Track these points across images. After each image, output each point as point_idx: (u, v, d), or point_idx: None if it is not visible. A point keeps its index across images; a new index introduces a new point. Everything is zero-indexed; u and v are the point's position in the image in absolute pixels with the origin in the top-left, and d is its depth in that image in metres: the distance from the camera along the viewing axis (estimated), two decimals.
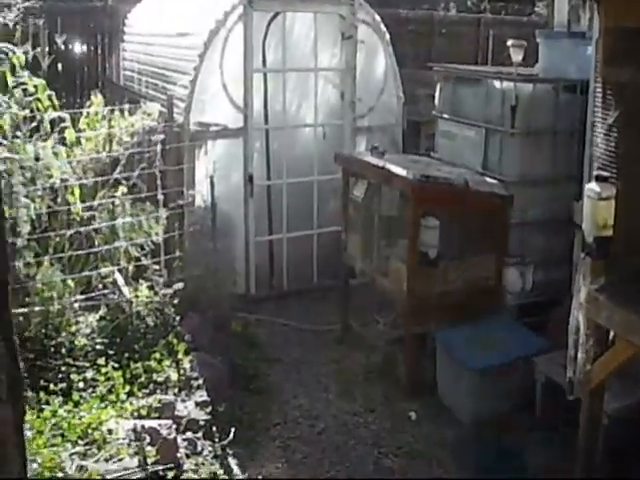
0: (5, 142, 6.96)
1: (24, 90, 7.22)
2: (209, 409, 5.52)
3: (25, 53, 7.17)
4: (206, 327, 6.52)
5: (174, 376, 5.80)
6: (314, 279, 8.12)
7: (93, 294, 6.63)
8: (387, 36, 8.43)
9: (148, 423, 5.03)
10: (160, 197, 6.79)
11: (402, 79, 8.63)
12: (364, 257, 6.61)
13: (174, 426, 5.07)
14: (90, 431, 5.02)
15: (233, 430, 5.31)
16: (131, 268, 6.95)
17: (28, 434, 4.87)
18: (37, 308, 6.33)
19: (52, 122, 7.30)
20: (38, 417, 5.20)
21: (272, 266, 8.20)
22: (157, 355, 6.00)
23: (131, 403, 5.45)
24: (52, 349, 6.11)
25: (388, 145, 7.92)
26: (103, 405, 5.40)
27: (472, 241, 6.05)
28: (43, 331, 6.22)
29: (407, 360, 6.02)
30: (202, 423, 5.33)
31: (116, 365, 5.89)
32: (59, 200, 7.00)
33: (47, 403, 5.38)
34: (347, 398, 6.07)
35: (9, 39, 7.38)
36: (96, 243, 6.96)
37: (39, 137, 7.16)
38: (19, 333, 6.21)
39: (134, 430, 4.95)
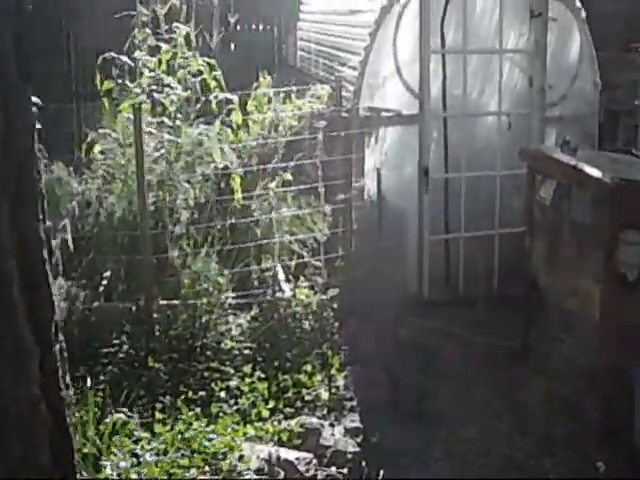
0: (169, 123, 6.31)
1: (189, 71, 6.54)
2: (360, 438, 4.58)
3: (191, 33, 6.47)
4: (367, 337, 5.56)
5: (324, 395, 4.90)
6: (494, 285, 6.86)
7: (246, 292, 5.85)
8: (583, 13, 7.05)
9: (286, 454, 4.17)
10: (322, 190, 5.88)
11: (598, 62, 7.24)
12: (550, 268, 5.41)
13: (315, 460, 4.18)
14: (220, 455, 4.22)
15: (384, 469, 4.35)
16: (291, 265, 6.14)
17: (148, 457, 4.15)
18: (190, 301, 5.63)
19: (220, 104, 6.60)
20: (171, 429, 4.48)
21: (448, 268, 7.05)
22: (308, 367, 5.13)
23: (272, 424, 4.61)
24: (197, 350, 5.38)
25: (581, 138, 6.57)
26: (242, 423, 4.60)
27: None
28: (190, 330, 5.49)
29: (597, 397, 4.80)
30: (349, 456, 4.40)
31: (262, 375, 5.08)
32: (220, 187, 6.29)
33: (180, 412, 4.66)
34: (523, 434, 4.89)
35: (177, 19, 6.69)
36: (256, 235, 6.18)
37: (204, 120, 6.47)
38: (165, 330, 5.54)
39: (269, 461, 4.09)
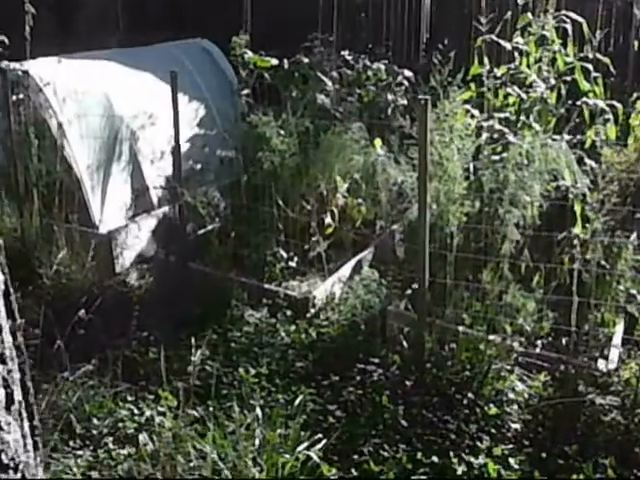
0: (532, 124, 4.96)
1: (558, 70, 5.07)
2: None
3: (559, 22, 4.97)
4: None
5: None
6: None
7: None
8: None
9: None
10: None
11: None
12: None
13: None
14: None
15: None
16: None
17: None
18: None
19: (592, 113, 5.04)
20: None
21: None
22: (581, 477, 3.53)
23: None
24: (462, 402, 4.08)
25: None
26: None
27: None
28: (461, 375, 4.21)
29: None
30: None
31: (519, 465, 3.64)
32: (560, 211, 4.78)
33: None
34: None
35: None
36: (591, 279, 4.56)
37: (568, 129, 4.99)
38: (437, 367, 4.33)
39: None
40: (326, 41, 6.03)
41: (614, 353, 4.45)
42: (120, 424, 3.99)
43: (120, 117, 6.24)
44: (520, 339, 4.40)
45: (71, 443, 3.90)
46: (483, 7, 5.03)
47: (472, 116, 4.79)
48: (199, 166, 6.45)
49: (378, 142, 4.91)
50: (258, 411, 3.71)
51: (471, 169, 4.48)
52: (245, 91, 5.47)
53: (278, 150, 4.82)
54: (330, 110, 5.23)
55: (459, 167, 4.38)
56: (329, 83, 5.43)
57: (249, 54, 5.50)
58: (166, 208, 6.14)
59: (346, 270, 5.55)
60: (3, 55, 5.93)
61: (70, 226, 5.72)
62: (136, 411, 4.11)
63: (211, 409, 3.99)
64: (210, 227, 5.57)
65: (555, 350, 4.44)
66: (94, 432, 3.97)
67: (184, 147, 6.56)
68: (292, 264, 5.56)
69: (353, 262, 5.61)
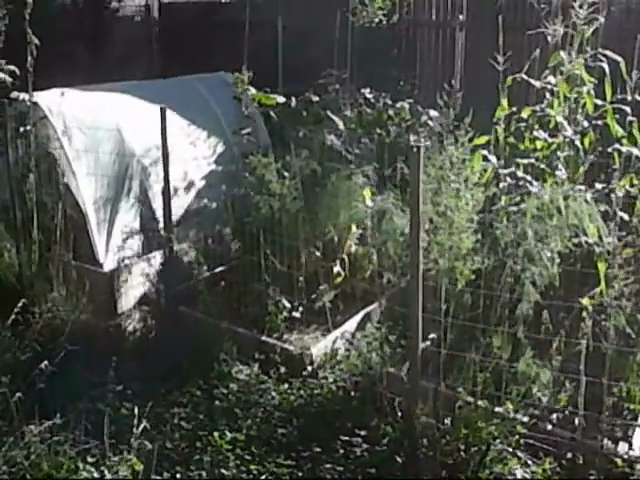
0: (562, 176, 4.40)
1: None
2: None
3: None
4: None
5: None
6: None
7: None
8: None
9: None
10: None
11: None
12: None
13: None
14: None
15: None
16: None
17: None
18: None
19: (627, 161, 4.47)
20: None
21: None
22: None
23: None
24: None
25: None
26: None
27: None
28: (462, 454, 3.65)
29: None
30: None
31: None
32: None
33: None
34: None
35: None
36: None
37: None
38: (430, 444, 3.76)
39: None
40: (340, 78, 5.57)
41: (638, 436, 3.83)
42: None
43: (131, 152, 5.94)
44: (533, 411, 3.85)
45: None
46: (500, 44, 4.52)
47: (485, 159, 4.27)
48: (214, 205, 6.12)
49: (368, 192, 4.43)
50: None
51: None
52: (245, 130, 5.07)
53: (278, 194, 4.40)
54: (341, 152, 4.78)
55: (467, 219, 3.87)
56: (340, 123, 4.98)
57: (252, 91, 5.11)
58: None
59: (352, 324, 5.06)
60: (14, 85, 5.74)
61: (71, 263, 5.43)
62: (96, 475, 3.70)
63: (178, 476, 3.62)
64: (208, 273, 5.17)
65: (570, 427, 3.84)
66: None
67: (198, 185, 6.26)
68: (296, 314, 5.11)
69: (360, 316, 5.12)
